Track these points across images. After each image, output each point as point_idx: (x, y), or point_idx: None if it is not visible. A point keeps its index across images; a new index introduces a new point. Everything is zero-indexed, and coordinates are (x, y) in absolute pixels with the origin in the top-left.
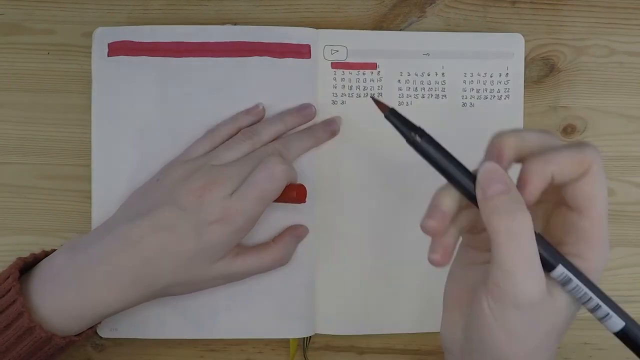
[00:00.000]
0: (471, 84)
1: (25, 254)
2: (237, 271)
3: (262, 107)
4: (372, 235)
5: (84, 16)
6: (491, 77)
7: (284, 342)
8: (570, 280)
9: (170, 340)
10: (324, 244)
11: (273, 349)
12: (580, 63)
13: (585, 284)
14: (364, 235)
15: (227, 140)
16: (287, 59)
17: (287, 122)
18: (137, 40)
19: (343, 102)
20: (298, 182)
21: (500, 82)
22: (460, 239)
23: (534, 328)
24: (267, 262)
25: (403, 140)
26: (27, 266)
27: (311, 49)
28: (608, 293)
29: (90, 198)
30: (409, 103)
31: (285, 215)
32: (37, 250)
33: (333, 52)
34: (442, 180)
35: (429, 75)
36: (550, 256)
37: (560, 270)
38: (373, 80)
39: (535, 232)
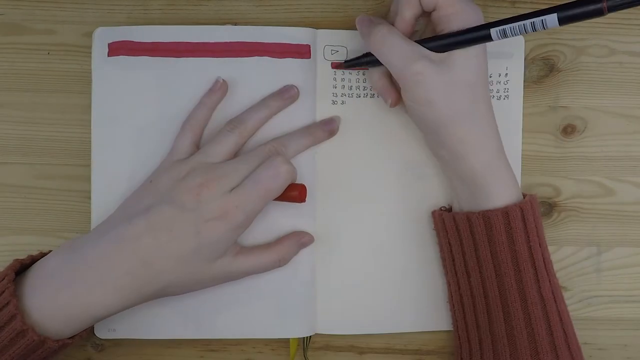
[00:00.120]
0: None
1: (25, 254)
2: (237, 270)
3: (222, 80)
4: (372, 235)
5: (84, 16)
6: (490, 77)
7: (284, 342)
8: (504, 31)
9: (170, 340)
10: (324, 243)
11: (273, 349)
12: (580, 63)
13: (508, 22)
14: (364, 235)
15: (204, 125)
16: (287, 59)
17: (271, 106)
18: (137, 40)
19: (343, 102)
20: (298, 182)
21: (500, 82)
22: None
23: (438, 95)
24: (267, 262)
25: (403, 141)
26: (23, 267)
27: (311, 49)
28: (608, 293)
29: (90, 198)
30: None
31: (285, 215)
32: (36, 250)
33: (333, 52)
34: (442, 181)
35: None
36: (480, 28)
37: (494, 33)
38: None
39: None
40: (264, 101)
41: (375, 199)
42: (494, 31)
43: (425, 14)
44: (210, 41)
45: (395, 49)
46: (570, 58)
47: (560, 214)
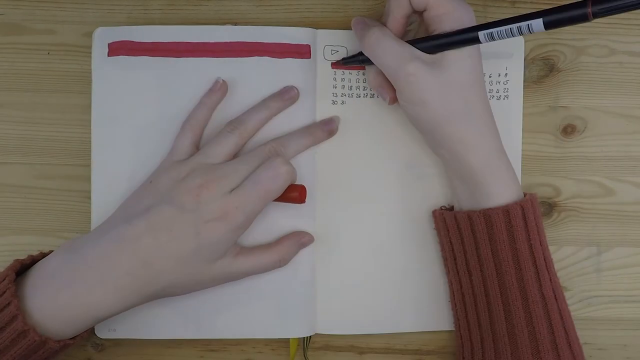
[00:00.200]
0: None
1: (25, 254)
2: (237, 271)
3: (222, 80)
4: (372, 235)
5: (84, 16)
6: (490, 77)
7: (284, 342)
8: (491, 34)
9: (171, 341)
10: (324, 243)
11: (273, 349)
12: (580, 63)
13: (496, 26)
14: (364, 235)
15: (204, 125)
16: (287, 59)
17: (271, 107)
18: (137, 40)
19: (343, 102)
20: (298, 182)
21: (500, 82)
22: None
23: (432, 95)
24: (267, 263)
25: (403, 140)
26: (24, 268)
27: (311, 49)
28: (608, 293)
29: (90, 198)
30: None
31: (285, 216)
32: (36, 250)
33: (333, 52)
34: (442, 181)
35: None
36: (469, 30)
37: (482, 36)
38: None
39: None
40: (264, 102)
41: (375, 199)
42: (481, 34)
43: (418, 13)
44: (210, 41)
45: (388, 51)
46: (570, 58)
47: (560, 214)
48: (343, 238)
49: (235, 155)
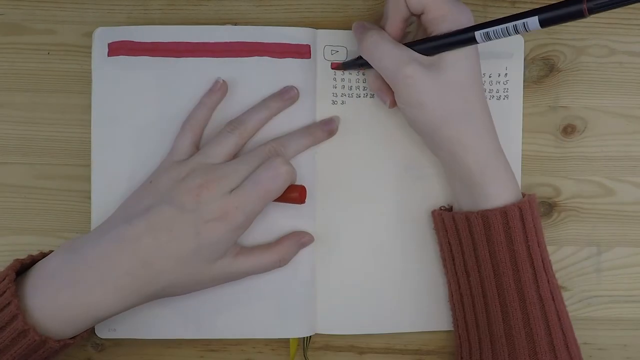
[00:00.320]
0: None
1: (25, 254)
2: (237, 271)
3: (222, 80)
4: (372, 235)
5: (84, 16)
6: (490, 77)
7: (284, 342)
8: (487, 34)
9: (171, 340)
10: (324, 243)
11: (273, 349)
12: (580, 63)
13: (492, 25)
14: (364, 235)
15: (204, 125)
16: (287, 59)
17: (271, 107)
18: (137, 40)
19: (343, 102)
20: (298, 183)
21: (499, 82)
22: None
23: (430, 97)
24: (267, 263)
25: (403, 141)
26: (24, 268)
27: (311, 49)
28: (608, 293)
29: (90, 198)
30: None
31: (285, 216)
32: (36, 250)
33: (333, 52)
34: (442, 181)
35: None
36: (465, 31)
37: (478, 36)
38: None
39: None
40: (264, 102)
41: (375, 199)
42: (478, 34)
43: (416, 16)
44: (210, 41)
45: (386, 54)
46: (570, 58)
47: (560, 214)
48: (343, 238)
49: (235, 155)
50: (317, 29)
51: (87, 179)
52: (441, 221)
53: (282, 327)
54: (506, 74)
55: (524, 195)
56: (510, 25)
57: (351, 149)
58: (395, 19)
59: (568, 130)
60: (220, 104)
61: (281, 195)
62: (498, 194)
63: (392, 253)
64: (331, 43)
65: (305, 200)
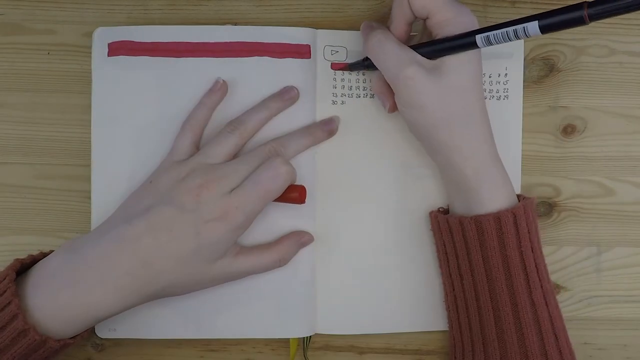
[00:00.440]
0: None
1: (25, 254)
2: (237, 271)
3: (222, 80)
4: (372, 235)
5: (84, 16)
6: (490, 77)
7: (284, 342)
8: (488, 38)
9: (171, 340)
10: (324, 243)
11: (273, 349)
12: (580, 63)
13: (493, 29)
14: (364, 235)
15: (204, 125)
16: (287, 59)
17: (270, 108)
18: (137, 40)
19: (343, 102)
20: (298, 183)
21: (499, 82)
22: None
23: (430, 100)
24: (267, 262)
25: (402, 141)
26: (24, 267)
27: (311, 49)
28: (608, 293)
29: (90, 198)
30: None
31: (285, 216)
32: (36, 250)
33: (333, 52)
34: (441, 181)
35: None
36: (466, 35)
37: (479, 40)
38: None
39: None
40: (264, 102)
41: (374, 199)
42: (479, 38)
43: (421, 20)
44: (210, 41)
45: (389, 54)
46: (570, 58)
47: (560, 214)
48: (343, 238)
49: (235, 156)
50: (317, 29)
51: (87, 179)
52: (437, 223)
53: (282, 327)
54: (506, 74)
55: (520, 198)
56: (510, 30)
57: (351, 149)
58: (399, 22)
59: (568, 130)
60: (220, 104)
61: (281, 195)
62: (492, 199)
63: (392, 253)
64: (331, 43)
65: (305, 200)
